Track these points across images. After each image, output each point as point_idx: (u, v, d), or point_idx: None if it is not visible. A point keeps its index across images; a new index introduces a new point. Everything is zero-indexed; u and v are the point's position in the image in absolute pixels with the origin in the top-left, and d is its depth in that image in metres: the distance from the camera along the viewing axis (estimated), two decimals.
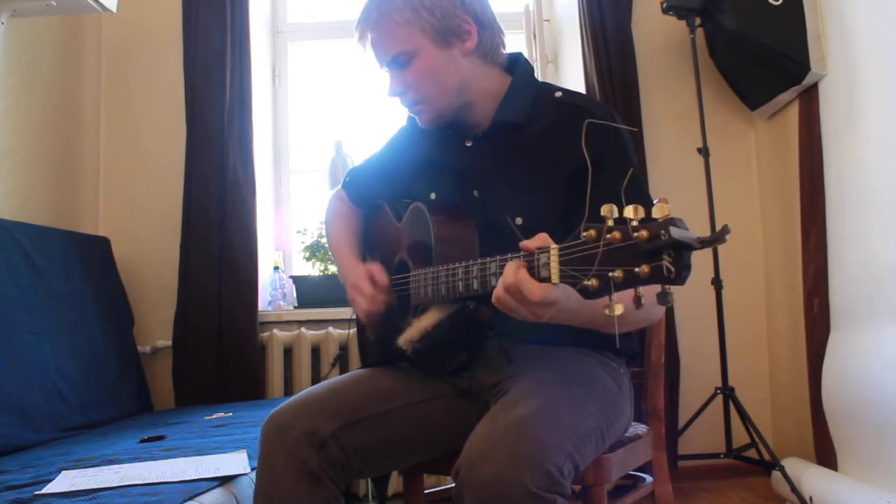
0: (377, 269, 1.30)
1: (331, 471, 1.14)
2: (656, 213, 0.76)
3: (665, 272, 0.74)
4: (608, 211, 0.79)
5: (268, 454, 1.15)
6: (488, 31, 1.27)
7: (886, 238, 1.92)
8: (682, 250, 0.73)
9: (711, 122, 2.56)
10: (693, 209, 2.47)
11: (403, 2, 1.23)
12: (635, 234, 0.76)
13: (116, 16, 2.38)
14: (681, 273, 0.74)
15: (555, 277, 0.86)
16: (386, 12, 1.23)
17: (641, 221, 0.76)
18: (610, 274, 0.78)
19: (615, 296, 0.79)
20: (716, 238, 0.72)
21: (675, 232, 0.73)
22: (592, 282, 0.80)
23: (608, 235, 0.78)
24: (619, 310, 0.79)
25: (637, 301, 0.78)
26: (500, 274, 0.95)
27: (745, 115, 2.73)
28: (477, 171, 1.29)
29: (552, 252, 0.87)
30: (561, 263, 0.85)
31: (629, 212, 0.77)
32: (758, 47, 2.33)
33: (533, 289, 0.90)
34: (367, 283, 1.28)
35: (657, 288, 0.76)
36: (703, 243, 0.73)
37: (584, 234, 0.81)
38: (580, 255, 0.82)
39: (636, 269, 0.75)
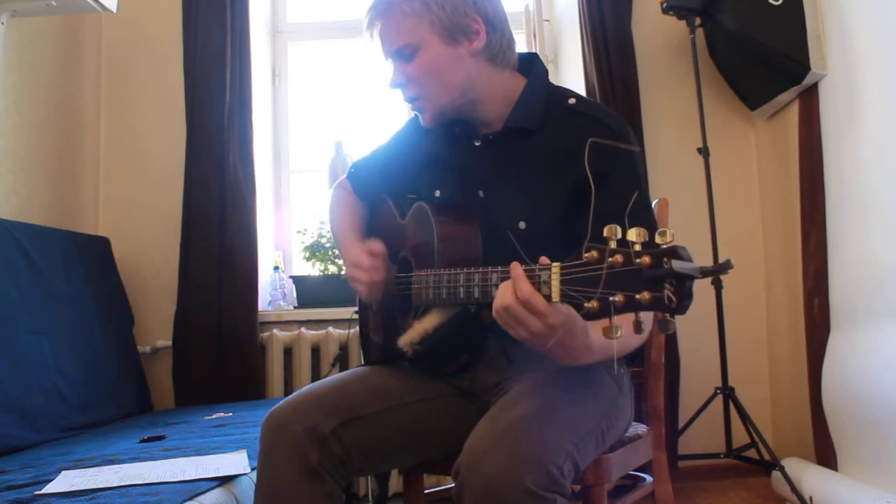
0: (374, 243, 1.29)
1: (331, 467, 1.14)
2: (660, 239, 0.75)
3: (666, 301, 0.74)
4: (611, 232, 0.78)
5: (268, 451, 1.15)
6: (498, 34, 1.25)
7: (886, 238, 1.92)
8: (684, 280, 0.73)
9: (711, 122, 2.56)
10: (693, 209, 2.47)
11: None
12: (637, 260, 0.75)
13: (116, 16, 2.38)
14: (682, 302, 0.74)
15: (555, 296, 0.86)
16: (396, 2, 1.23)
17: (644, 246, 0.76)
18: (611, 298, 0.78)
19: (616, 318, 0.79)
20: (718, 269, 0.72)
21: (677, 264, 0.73)
22: (593, 304, 0.80)
23: (610, 259, 0.78)
24: (620, 332, 0.79)
25: (637, 326, 0.78)
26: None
27: (745, 115, 2.73)
28: (483, 172, 1.28)
29: (553, 270, 0.86)
30: (562, 283, 0.85)
31: (632, 235, 0.76)
32: (758, 47, 2.33)
33: (541, 303, 0.89)
34: (365, 256, 1.27)
35: (657, 324, 0.76)
36: (705, 274, 0.73)
37: (587, 254, 0.80)
38: (581, 275, 0.82)
39: (637, 296, 0.75)
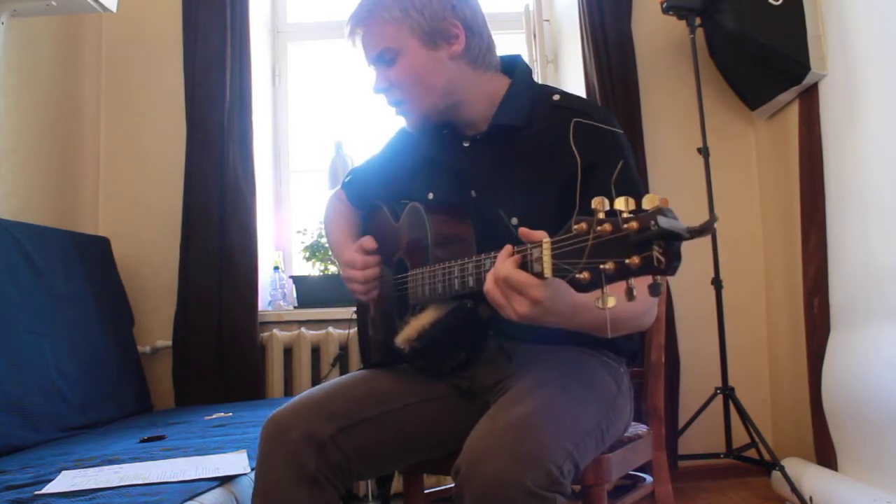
0: (365, 239, 1.32)
1: (329, 474, 1.14)
2: (647, 204, 0.75)
3: (655, 262, 0.73)
4: (599, 203, 0.79)
5: (266, 456, 1.15)
6: (477, 37, 1.28)
7: (886, 238, 1.92)
8: (671, 240, 0.73)
9: (711, 122, 2.56)
10: (693, 209, 2.47)
11: (394, 0, 1.24)
12: (625, 226, 0.75)
13: (116, 16, 2.38)
14: (671, 263, 0.73)
15: (547, 271, 0.86)
16: (376, 10, 1.26)
17: (632, 213, 0.76)
18: (601, 266, 0.77)
19: (607, 288, 0.79)
20: (704, 228, 0.71)
21: (664, 221, 0.73)
22: (584, 274, 0.80)
23: (598, 228, 0.78)
24: (611, 302, 0.78)
25: (629, 293, 0.77)
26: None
27: (745, 115, 2.73)
28: (474, 172, 1.30)
29: (545, 245, 0.86)
30: (553, 257, 0.85)
31: (620, 204, 0.77)
32: (758, 47, 2.33)
33: (521, 279, 0.90)
34: (358, 255, 1.31)
35: (648, 288, 0.76)
36: (692, 233, 0.72)
37: (576, 227, 0.81)
38: (572, 248, 0.82)
39: (627, 261, 0.75)
